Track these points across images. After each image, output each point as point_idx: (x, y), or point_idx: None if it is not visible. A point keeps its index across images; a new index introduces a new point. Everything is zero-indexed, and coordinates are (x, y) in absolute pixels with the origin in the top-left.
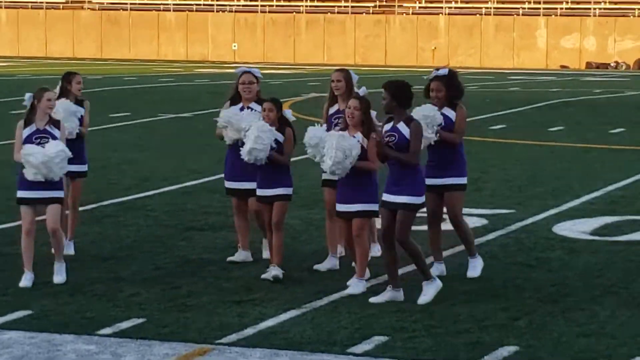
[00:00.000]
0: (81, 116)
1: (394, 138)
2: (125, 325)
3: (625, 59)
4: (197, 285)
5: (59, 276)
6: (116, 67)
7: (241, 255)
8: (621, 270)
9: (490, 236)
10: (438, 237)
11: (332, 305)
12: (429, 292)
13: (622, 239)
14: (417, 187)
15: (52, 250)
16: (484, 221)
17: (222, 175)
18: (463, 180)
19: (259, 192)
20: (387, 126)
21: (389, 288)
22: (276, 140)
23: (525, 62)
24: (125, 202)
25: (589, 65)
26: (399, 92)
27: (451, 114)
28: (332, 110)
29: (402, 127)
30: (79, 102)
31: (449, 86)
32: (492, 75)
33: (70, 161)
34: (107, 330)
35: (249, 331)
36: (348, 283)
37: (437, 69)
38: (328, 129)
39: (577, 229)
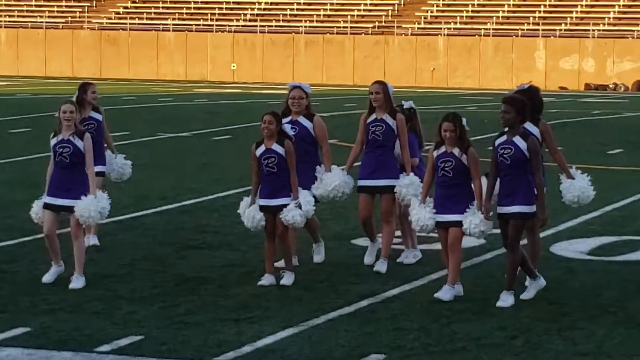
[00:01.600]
0: (100, 123)
1: (510, 150)
2: (123, 342)
3: (623, 80)
4: (194, 303)
5: (75, 283)
6: (115, 86)
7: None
8: (618, 289)
9: (488, 255)
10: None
11: (330, 324)
12: (531, 290)
13: (619, 259)
14: (529, 197)
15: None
16: (482, 241)
17: (220, 194)
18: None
19: (263, 202)
20: (501, 139)
21: (528, 281)
22: (278, 154)
23: (516, 84)
24: (123, 220)
25: (587, 86)
26: (519, 107)
27: (534, 129)
28: (370, 119)
29: (519, 140)
30: (95, 109)
31: (529, 101)
32: (491, 96)
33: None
34: (106, 348)
35: (247, 349)
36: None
37: (519, 85)
38: (366, 136)
39: (574, 248)
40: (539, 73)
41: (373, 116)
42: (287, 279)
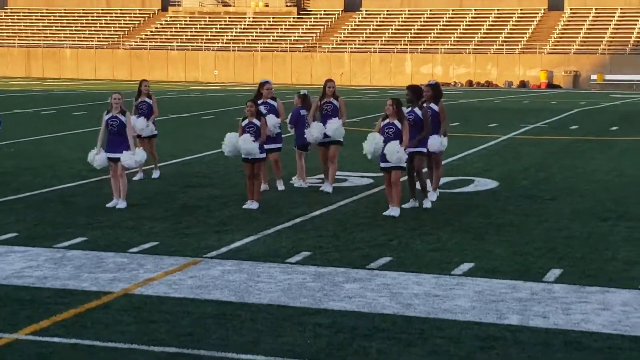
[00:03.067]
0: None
1: (412, 116)
2: (146, 246)
3: (460, 80)
4: (191, 221)
5: (121, 205)
6: None
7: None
8: (455, 210)
9: (376, 189)
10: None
11: (277, 233)
12: (433, 197)
13: (456, 191)
14: (425, 144)
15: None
16: (371, 180)
17: (207, 153)
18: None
19: (245, 156)
20: (409, 110)
21: (412, 200)
22: (256, 126)
23: (398, 82)
24: (147, 170)
25: None
26: (417, 91)
27: (436, 107)
28: (323, 101)
29: (417, 110)
30: (149, 96)
31: (434, 90)
32: (377, 90)
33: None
34: (135, 249)
35: (224, 249)
36: (388, 213)
37: (429, 81)
38: (320, 111)
39: (429, 185)
40: (407, 76)
41: (325, 99)
42: (254, 205)
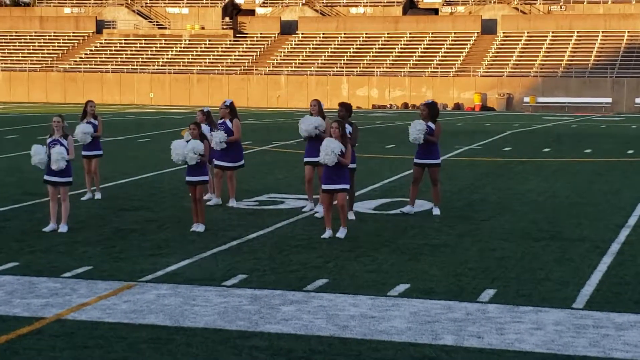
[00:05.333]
0: (96, 126)
1: (346, 131)
2: (79, 271)
3: (396, 102)
4: (125, 245)
5: (63, 229)
6: (75, 108)
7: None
8: (391, 231)
9: (312, 211)
10: (416, 192)
11: (212, 256)
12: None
13: (391, 212)
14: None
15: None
16: (306, 202)
17: (142, 175)
18: (439, 161)
19: (188, 178)
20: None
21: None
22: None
23: (334, 105)
24: (79, 193)
25: (374, 106)
26: (349, 109)
27: (432, 125)
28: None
29: (347, 126)
30: (95, 117)
31: (431, 109)
32: None
33: (92, 149)
34: (68, 274)
35: (159, 273)
36: (338, 235)
37: (426, 100)
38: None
39: (365, 206)
40: (343, 98)
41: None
42: (200, 228)
